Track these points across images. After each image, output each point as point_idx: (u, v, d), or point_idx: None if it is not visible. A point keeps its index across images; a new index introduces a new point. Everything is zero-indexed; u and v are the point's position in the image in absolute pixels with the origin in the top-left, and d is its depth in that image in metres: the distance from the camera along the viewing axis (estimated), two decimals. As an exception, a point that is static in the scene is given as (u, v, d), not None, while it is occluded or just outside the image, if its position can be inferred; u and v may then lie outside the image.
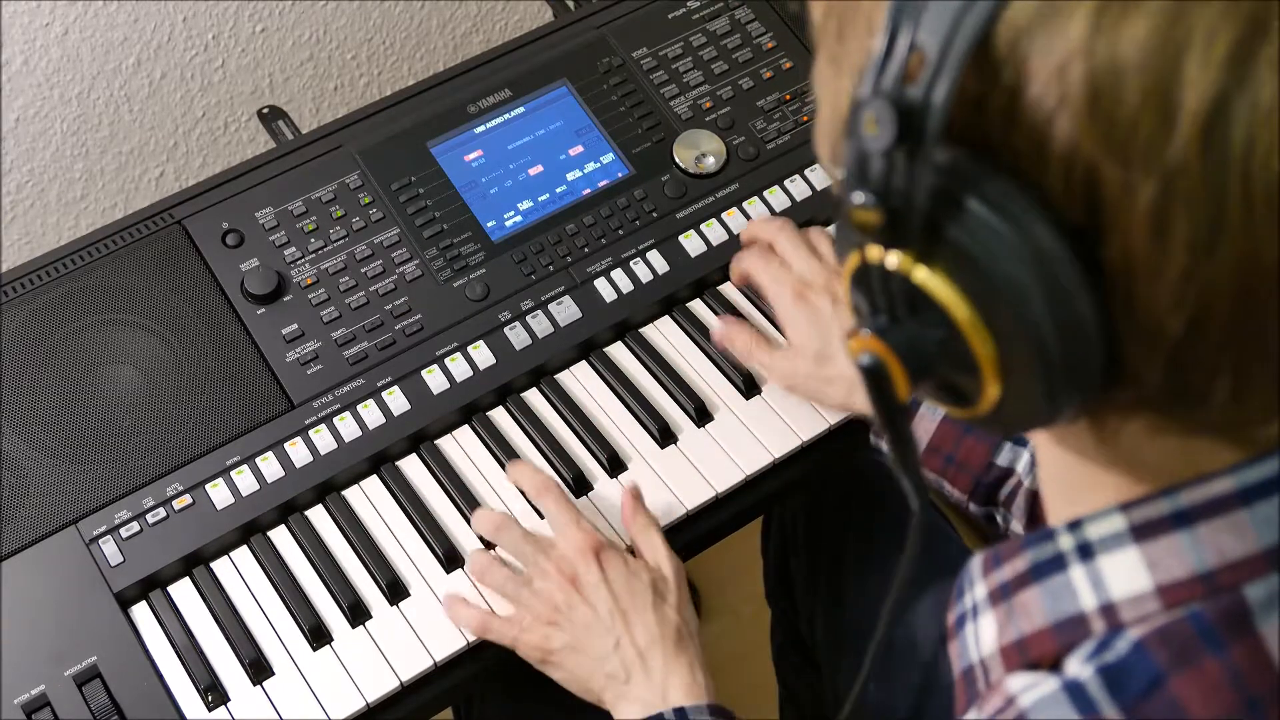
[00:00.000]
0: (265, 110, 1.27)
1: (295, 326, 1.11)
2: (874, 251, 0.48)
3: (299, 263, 1.14)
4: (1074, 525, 0.53)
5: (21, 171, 1.49)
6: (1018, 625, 0.54)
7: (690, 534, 1.07)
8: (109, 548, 1.01)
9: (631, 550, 1.01)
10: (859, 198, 0.46)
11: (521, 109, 1.22)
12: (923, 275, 0.47)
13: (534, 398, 1.12)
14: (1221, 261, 0.43)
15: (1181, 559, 0.50)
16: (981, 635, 0.56)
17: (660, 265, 1.17)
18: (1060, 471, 0.56)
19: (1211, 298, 0.44)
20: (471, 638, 0.99)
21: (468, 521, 1.05)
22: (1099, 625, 0.52)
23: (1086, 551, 0.52)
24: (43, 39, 1.41)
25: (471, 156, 1.19)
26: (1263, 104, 0.42)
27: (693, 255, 1.17)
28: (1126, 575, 0.51)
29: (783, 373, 1.06)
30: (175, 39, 1.49)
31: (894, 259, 0.47)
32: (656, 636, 0.93)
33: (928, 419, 0.97)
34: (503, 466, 1.08)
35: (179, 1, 1.46)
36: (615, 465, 1.08)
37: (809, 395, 1.06)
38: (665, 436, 1.09)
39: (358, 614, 1.01)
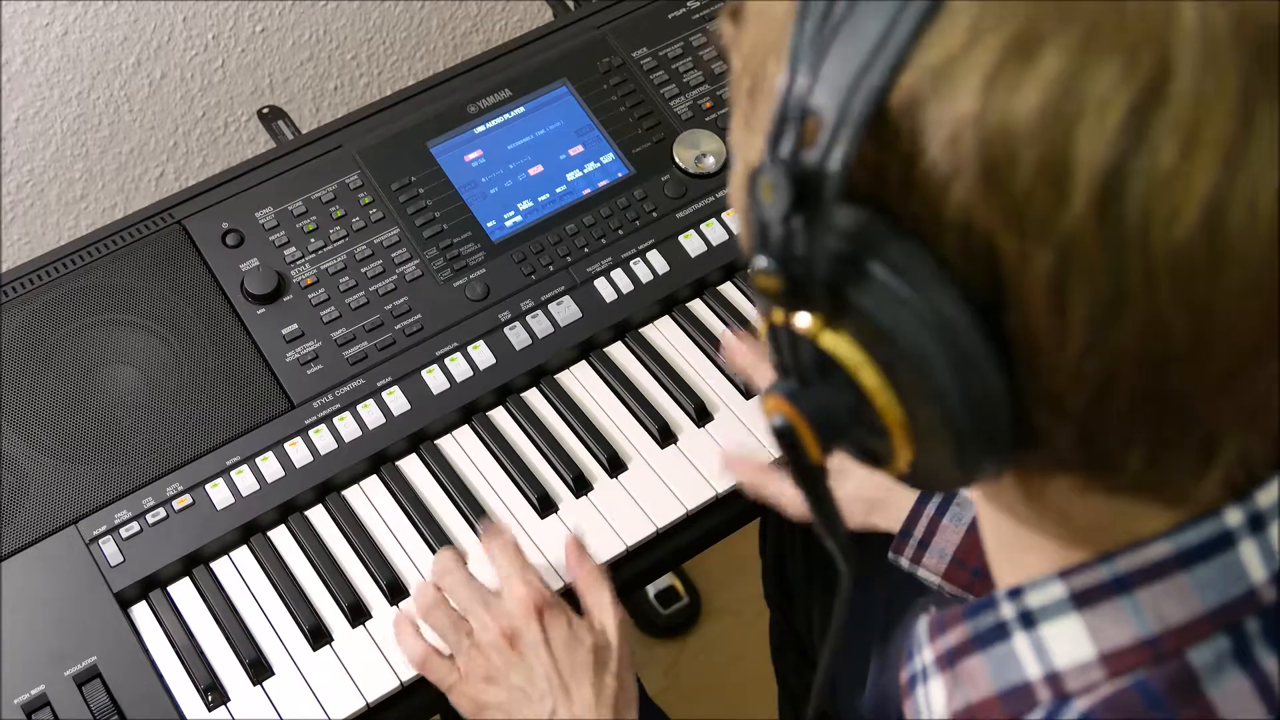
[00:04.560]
0: (265, 110, 1.27)
1: (295, 326, 1.11)
2: (779, 315, 0.47)
3: (299, 263, 1.14)
4: (1014, 593, 0.52)
5: (21, 171, 1.49)
6: (965, 693, 0.53)
7: (691, 534, 1.07)
8: (109, 548, 1.01)
9: (574, 602, 0.97)
10: (760, 263, 0.45)
11: (521, 109, 1.22)
12: (828, 339, 0.46)
13: (534, 398, 1.12)
14: (1124, 332, 0.42)
15: (1124, 626, 0.49)
16: (932, 699, 0.55)
17: (660, 265, 1.17)
18: (999, 533, 0.55)
19: (1117, 368, 0.43)
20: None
21: (468, 521, 1.05)
22: (1045, 694, 0.51)
23: (1028, 620, 0.52)
24: (43, 39, 1.41)
25: (471, 156, 1.19)
26: (1160, 171, 0.40)
27: (693, 255, 1.17)
28: (1069, 644, 0.50)
29: (797, 503, 1.01)
30: (175, 39, 1.49)
31: (800, 322, 0.47)
32: (592, 707, 0.90)
33: (951, 530, 0.93)
34: (503, 466, 1.08)
35: (179, 1, 1.46)
36: (615, 465, 1.08)
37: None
38: (665, 436, 1.09)
39: (358, 614, 1.01)
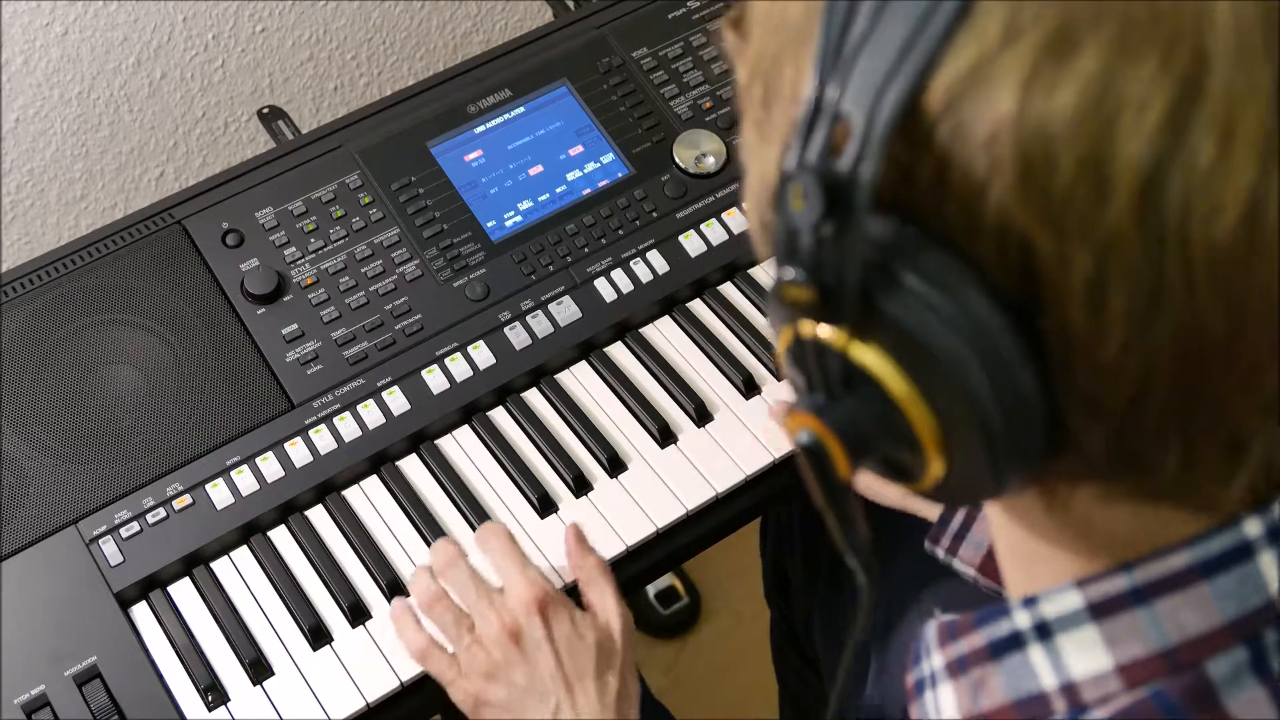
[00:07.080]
0: (265, 110, 1.27)
1: (295, 326, 1.11)
2: (807, 327, 0.46)
3: (299, 263, 1.14)
4: (1030, 602, 0.51)
5: (21, 171, 1.49)
6: (978, 701, 0.53)
7: (691, 534, 1.07)
8: (109, 548, 1.01)
9: (577, 597, 0.96)
10: (789, 273, 0.45)
11: (521, 109, 1.22)
12: (859, 351, 0.45)
13: (534, 398, 1.12)
14: (1163, 332, 0.42)
15: (1141, 637, 0.49)
16: (941, 704, 0.55)
17: (660, 265, 1.17)
18: (1014, 543, 0.55)
19: (1154, 369, 0.43)
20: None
21: (468, 521, 1.05)
22: (1061, 705, 0.50)
23: (1044, 631, 0.51)
24: (43, 39, 1.41)
25: (471, 156, 1.19)
26: (1199, 169, 0.40)
27: (693, 255, 1.17)
28: (1086, 654, 0.50)
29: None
30: (175, 39, 1.49)
31: (828, 334, 0.46)
32: (596, 705, 0.89)
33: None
34: (503, 466, 1.08)
35: (179, 1, 1.46)
36: (615, 465, 1.08)
37: (862, 491, 1.01)
38: (665, 436, 1.09)
39: (358, 614, 1.01)
